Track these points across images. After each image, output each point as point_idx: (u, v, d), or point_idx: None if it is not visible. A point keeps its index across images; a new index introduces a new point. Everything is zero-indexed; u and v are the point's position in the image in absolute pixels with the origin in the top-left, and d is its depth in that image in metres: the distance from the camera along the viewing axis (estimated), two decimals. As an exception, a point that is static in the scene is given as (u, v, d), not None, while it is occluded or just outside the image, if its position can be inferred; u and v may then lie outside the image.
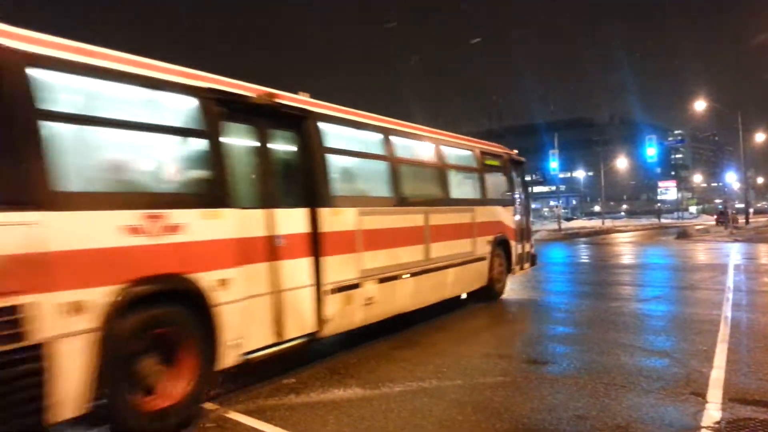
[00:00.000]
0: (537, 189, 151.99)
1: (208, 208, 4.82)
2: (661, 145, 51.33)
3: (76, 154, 4.13)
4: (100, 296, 3.90)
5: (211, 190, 4.96)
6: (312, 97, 6.45)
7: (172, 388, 4.42)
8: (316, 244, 5.99)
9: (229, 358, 4.88)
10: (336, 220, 6.28)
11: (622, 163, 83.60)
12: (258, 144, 5.68)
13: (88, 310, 3.83)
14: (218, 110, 5.07)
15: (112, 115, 4.41)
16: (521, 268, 11.45)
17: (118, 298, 3.99)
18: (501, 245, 10.36)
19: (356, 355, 6.54)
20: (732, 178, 75.08)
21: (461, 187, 9.56)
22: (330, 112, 6.69)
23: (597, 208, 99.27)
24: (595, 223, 63.48)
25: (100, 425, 4.17)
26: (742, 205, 47.80)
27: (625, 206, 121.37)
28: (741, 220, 41.90)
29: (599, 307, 9.46)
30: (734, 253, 19.62)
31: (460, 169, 9.64)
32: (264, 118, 5.69)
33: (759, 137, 50.23)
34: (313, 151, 6.18)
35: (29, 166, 3.67)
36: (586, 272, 16.43)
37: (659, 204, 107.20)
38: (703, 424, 4.17)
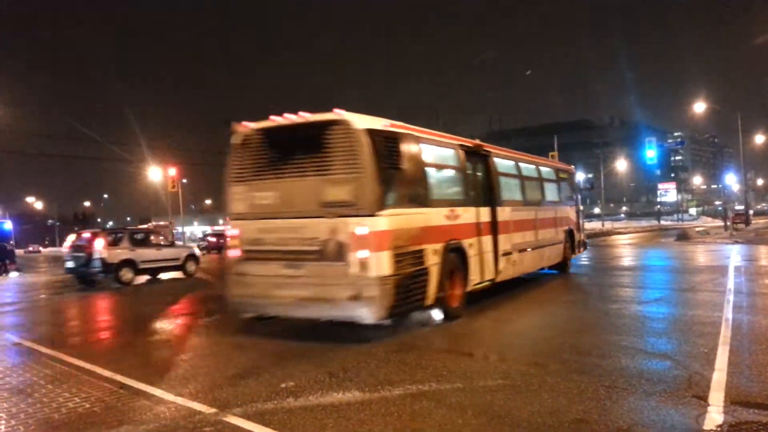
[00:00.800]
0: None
1: (465, 207, 9.44)
2: (661, 147, 51.31)
3: (430, 181, 8.58)
4: (441, 246, 8.27)
5: (465, 196, 9.66)
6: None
7: (456, 294, 8.73)
8: (494, 227, 10.34)
9: (469, 286, 9.15)
10: (502, 214, 10.68)
11: (621, 165, 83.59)
12: (471, 171, 10.19)
13: (438, 253, 8.17)
14: (463, 155, 9.74)
15: (434, 161, 8.91)
16: (579, 251, 16.27)
17: (446, 247, 8.39)
18: (569, 234, 14.97)
19: (355, 359, 6.51)
20: (731, 180, 75.08)
21: (550, 193, 14.11)
22: (496, 151, 11.32)
23: (597, 210, 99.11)
24: (594, 224, 63.56)
25: (434, 309, 8.44)
26: (741, 207, 47.72)
27: (624, 208, 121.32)
28: (753, 220, 41.73)
29: (600, 309, 9.44)
30: (734, 254, 19.59)
31: (549, 181, 14.25)
32: (473, 156, 10.27)
33: (759, 139, 50.14)
34: (491, 173, 10.75)
35: (423, 190, 8.27)
36: (586, 274, 16.38)
37: (659, 206, 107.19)
38: (705, 427, 4.13)
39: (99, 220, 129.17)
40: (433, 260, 8.01)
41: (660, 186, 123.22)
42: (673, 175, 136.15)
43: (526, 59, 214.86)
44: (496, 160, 11.09)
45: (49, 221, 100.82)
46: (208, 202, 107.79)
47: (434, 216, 8.37)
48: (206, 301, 12.63)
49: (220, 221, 78.49)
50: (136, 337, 8.75)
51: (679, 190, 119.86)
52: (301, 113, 7.61)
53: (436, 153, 9.03)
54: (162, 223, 58.64)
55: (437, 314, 8.58)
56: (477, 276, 9.49)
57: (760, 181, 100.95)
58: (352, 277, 7.08)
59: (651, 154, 39.38)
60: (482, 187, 10.51)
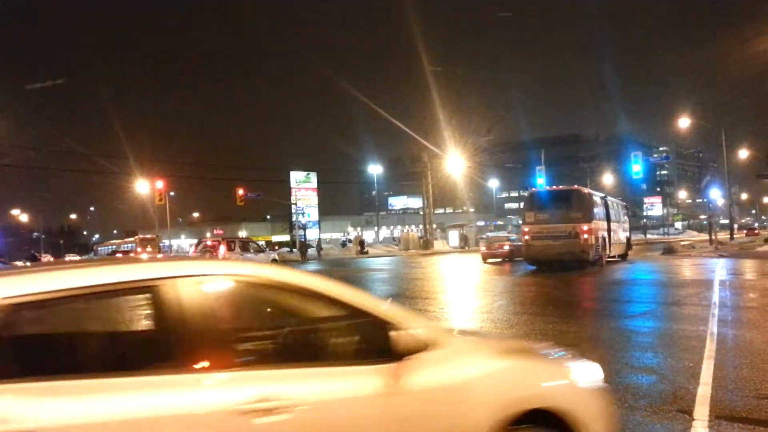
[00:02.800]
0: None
1: (604, 221, 23.11)
2: (647, 161, 51.87)
3: (598, 210, 22.51)
4: (601, 234, 22.41)
5: (602, 215, 23.00)
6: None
7: (604, 256, 22.57)
8: (609, 230, 23.45)
9: (607, 256, 23.00)
10: (611, 225, 23.90)
11: (608, 179, 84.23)
12: (602, 205, 23.74)
13: (600, 238, 21.96)
14: (601, 199, 24.21)
15: (597, 202, 23.06)
16: (630, 249, 28.88)
17: (602, 235, 22.37)
18: (627, 238, 28.19)
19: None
20: (716, 194, 75.74)
21: (621, 216, 27.47)
22: (608, 197, 26.63)
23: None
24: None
25: (600, 262, 22.11)
26: (726, 221, 48.22)
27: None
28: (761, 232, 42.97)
29: (586, 323, 9.47)
30: (719, 268, 19.75)
31: (621, 209, 28.14)
32: (602, 198, 24.71)
33: (743, 153, 50.77)
34: (607, 206, 24.46)
35: (595, 213, 21.94)
36: (573, 288, 16.45)
37: (645, 220, 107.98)
38: (690, 442, 4.13)
39: (85, 233, 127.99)
40: (599, 241, 20.67)
41: (646, 200, 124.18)
42: (658, 189, 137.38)
43: (510, 75, 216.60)
44: (608, 199, 25.01)
45: (35, 234, 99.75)
46: (195, 214, 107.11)
47: (600, 224, 21.26)
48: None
49: (207, 234, 78.01)
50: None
51: (664, 204, 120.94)
52: (560, 186, 25.75)
53: (597, 199, 22.57)
54: (149, 236, 58.23)
55: (600, 263, 21.45)
56: (608, 253, 22.40)
57: (744, 196, 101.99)
58: (581, 244, 19.78)
59: (637, 168, 39.78)
60: (605, 212, 23.21)
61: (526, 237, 21.28)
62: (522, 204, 27.40)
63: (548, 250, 20.24)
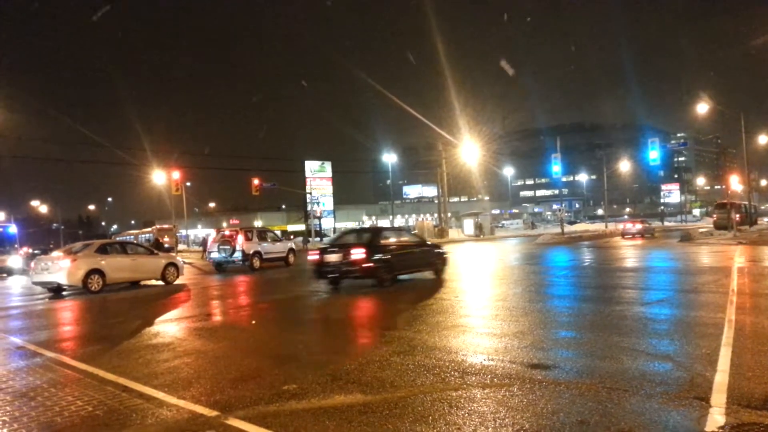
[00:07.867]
0: (540, 192, 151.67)
1: (738, 214, 40.19)
2: (664, 148, 51.34)
3: (737, 211, 40.41)
4: (739, 218, 40.86)
5: (741, 212, 42.46)
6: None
7: (737, 226, 37.46)
8: (742, 216, 41.92)
9: (737, 227, 37.85)
10: (745, 215, 43.40)
11: (624, 166, 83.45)
12: (743, 208, 44.54)
13: (738, 220, 40.19)
14: (740, 204, 43.87)
15: (737, 207, 42.97)
16: (754, 224, 45.36)
17: (739, 219, 39.50)
18: (754, 218, 47.21)
19: (357, 361, 6.52)
20: (735, 181, 74.70)
21: (749, 210, 46.02)
22: (744, 204, 46.93)
23: (600, 212, 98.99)
24: (598, 226, 63.38)
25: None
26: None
27: (628, 209, 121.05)
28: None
29: (602, 311, 9.43)
30: (738, 256, 19.54)
31: (751, 206, 47.52)
32: (741, 205, 44.79)
33: (762, 139, 49.95)
34: (743, 207, 45.71)
35: (741, 213, 42.53)
36: (589, 276, 16.38)
37: (662, 207, 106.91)
38: (707, 429, 4.11)
39: (103, 223, 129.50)
40: (737, 220, 37.34)
41: (663, 187, 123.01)
42: (676, 176, 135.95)
43: (526, 63, 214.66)
44: (743, 204, 45.47)
45: (54, 225, 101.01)
46: (212, 204, 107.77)
47: (740, 215, 40.72)
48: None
49: (224, 224, 78.56)
50: (148, 339, 8.76)
51: (682, 191, 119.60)
52: (725, 201, 44.81)
53: (737, 204, 42.85)
54: (166, 226, 58.75)
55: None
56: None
57: (763, 182, 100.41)
58: (730, 221, 36.51)
59: (654, 155, 39.36)
60: (744, 210, 44.25)
61: (715, 218, 43.72)
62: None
63: (722, 224, 38.26)
